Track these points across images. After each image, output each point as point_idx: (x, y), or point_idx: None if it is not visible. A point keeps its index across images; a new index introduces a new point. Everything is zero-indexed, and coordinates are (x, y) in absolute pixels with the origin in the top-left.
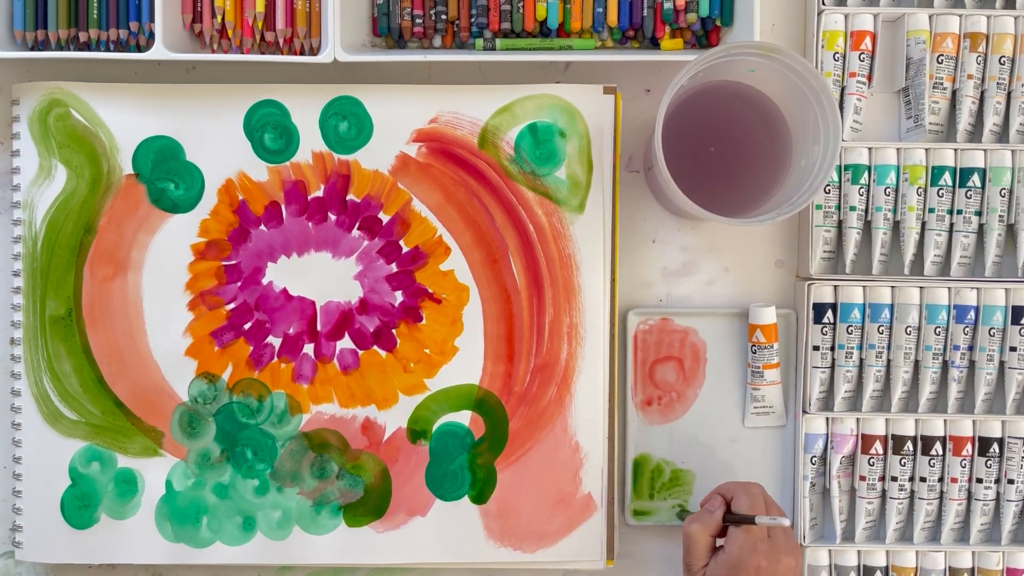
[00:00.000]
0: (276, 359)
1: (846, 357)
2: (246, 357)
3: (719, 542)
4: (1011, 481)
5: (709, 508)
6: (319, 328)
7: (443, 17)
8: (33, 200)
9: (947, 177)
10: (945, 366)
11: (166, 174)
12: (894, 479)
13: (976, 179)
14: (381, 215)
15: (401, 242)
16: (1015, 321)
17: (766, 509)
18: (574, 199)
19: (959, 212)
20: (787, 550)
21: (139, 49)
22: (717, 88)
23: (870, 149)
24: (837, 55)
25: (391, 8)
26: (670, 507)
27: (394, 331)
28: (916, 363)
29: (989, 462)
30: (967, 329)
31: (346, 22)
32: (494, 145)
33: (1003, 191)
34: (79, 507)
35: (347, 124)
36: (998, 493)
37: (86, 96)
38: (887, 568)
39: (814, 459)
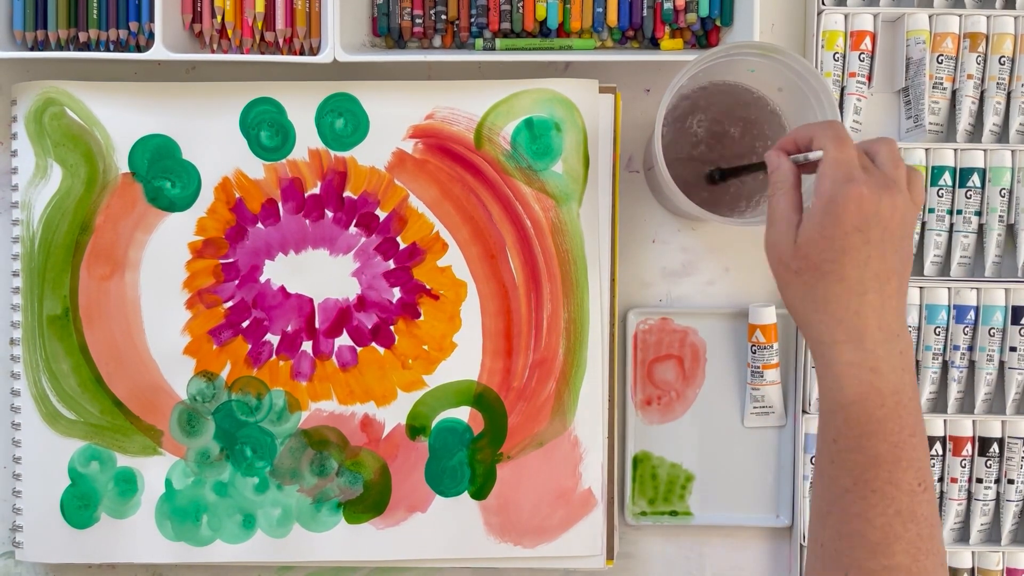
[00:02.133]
0: (274, 357)
1: None
2: (244, 355)
3: None
4: (1011, 481)
5: (775, 166)
6: (317, 325)
7: (443, 17)
8: (30, 200)
9: (947, 177)
10: (945, 366)
11: (162, 172)
12: None
13: (976, 179)
14: (378, 212)
15: (398, 238)
16: (1015, 321)
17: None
18: (571, 194)
19: (959, 212)
20: (885, 185)
21: (139, 49)
22: (717, 88)
23: None
24: (837, 55)
25: (391, 8)
26: (669, 508)
27: (392, 328)
28: (916, 363)
29: (989, 462)
30: (967, 329)
31: (346, 22)
32: (490, 140)
33: (1003, 191)
34: (79, 507)
35: (343, 121)
36: (998, 493)
37: (81, 95)
38: None
39: (814, 459)
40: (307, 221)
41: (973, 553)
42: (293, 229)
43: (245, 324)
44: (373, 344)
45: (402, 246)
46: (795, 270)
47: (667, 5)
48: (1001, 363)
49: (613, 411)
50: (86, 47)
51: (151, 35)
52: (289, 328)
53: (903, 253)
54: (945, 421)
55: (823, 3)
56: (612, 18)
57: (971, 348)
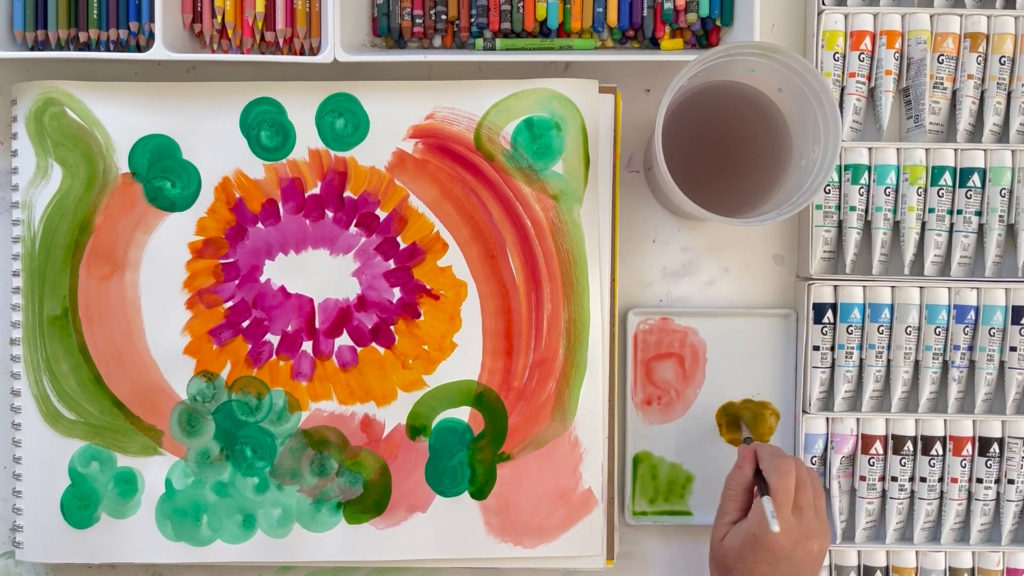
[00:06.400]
0: (275, 357)
1: (846, 357)
2: (245, 355)
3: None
4: (1011, 481)
5: (739, 464)
6: (317, 325)
7: (443, 17)
8: (31, 200)
9: (947, 177)
10: (945, 366)
11: (162, 172)
12: (894, 479)
13: (976, 179)
14: (378, 211)
15: (399, 238)
16: (1015, 321)
17: (794, 490)
18: (572, 194)
19: (959, 212)
20: (812, 534)
21: (139, 49)
22: (717, 88)
23: (870, 149)
24: (837, 55)
25: (391, 8)
26: (669, 508)
27: (392, 328)
28: (916, 363)
29: (989, 462)
30: (967, 329)
31: (346, 22)
32: (491, 140)
33: (1003, 191)
34: (79, 507)
35: (343, 121)
36: (998, 493)
37: (81, 95)
38: (887, 568)
39: (814, 459)
40: (307, 221)
41: (973, 553)
42: (293, 229)
43: (245, 324)
44: (373, 344)
45: (402, 246)
46: (714, 558)
47: (667, 5)
48: (1001, 363)
49: (613, 411)
50: (86, 47)
51: (151, 35)
52: (289, 328)
53: None
54: (945, 421)
55: (823, 3)
56: (612, 18)
57: (971, 348)
